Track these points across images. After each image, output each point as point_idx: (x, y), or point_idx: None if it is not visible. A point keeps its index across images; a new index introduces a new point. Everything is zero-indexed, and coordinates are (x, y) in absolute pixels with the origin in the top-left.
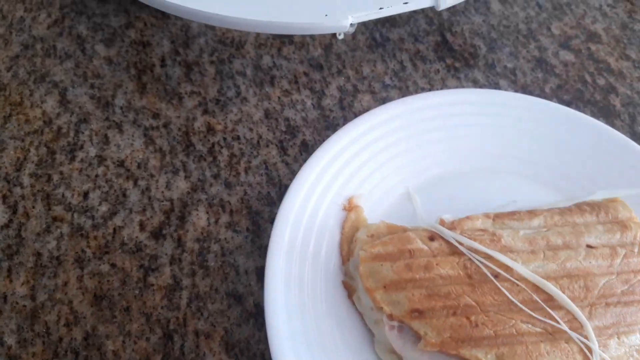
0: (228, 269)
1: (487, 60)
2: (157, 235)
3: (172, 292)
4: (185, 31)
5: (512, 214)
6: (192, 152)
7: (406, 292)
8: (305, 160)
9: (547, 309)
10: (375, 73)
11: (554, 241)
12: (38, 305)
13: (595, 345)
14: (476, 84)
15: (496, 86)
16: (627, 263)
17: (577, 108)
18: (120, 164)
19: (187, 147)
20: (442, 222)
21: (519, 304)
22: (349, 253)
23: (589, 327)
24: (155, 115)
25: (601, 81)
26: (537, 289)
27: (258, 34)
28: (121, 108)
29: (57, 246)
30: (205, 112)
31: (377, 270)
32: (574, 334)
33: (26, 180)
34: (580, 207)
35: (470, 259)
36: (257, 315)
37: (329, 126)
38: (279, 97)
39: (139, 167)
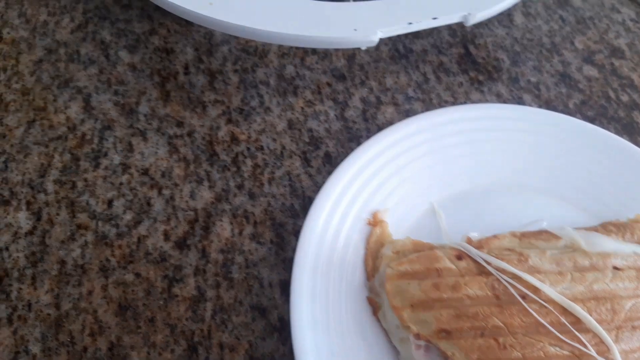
0: (252, 281)
1: (511, 74)
2: (182, 245)
3: (196, 304)
4: (209, 39)
5: (538, 234)
6: (216, 162)
7: (434, 312)
8: (328, 173)
9: (575, 332)
10: (399, 85)
11: (581, 262)
12: (62, 313)
13: None
14: (500, 97)
15: (520, 100)
16: None
17: (601, 124)
18: (145, 172)
19: (211, 156)
20: (469, 241)
21: (548, 326)
22: (374, 269)
23: (615, 351)
24: (179, 124)
25: (625, 97)
26: (564, 311)
27: None
28: (145, 115)
29: (81, 254)
30: (229, 121)
31: (404, 288)
32: (600, 359)
33: (50, 187)
34: (605, 227)
35: (498, 279)
36: (281, 329)
37: (352, 138)
38: (302, 108)
39: (163, 175)
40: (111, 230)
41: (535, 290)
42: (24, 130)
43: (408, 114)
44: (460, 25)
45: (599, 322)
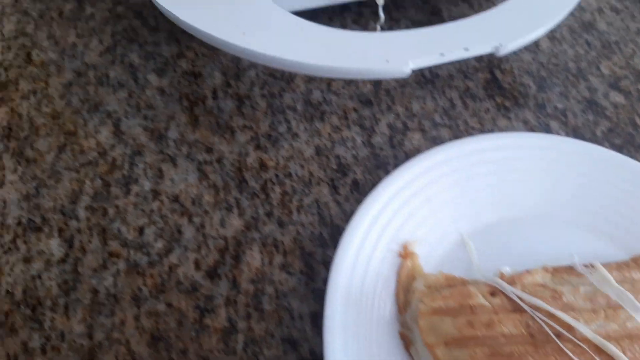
0: (282, 312)
1: (537, 100)
2: (212, 274)
3: (228, 335)
4: (237, 63)
5: (570, 269)
6: (245, 189)
7: (468, 350)
8: (356, 201)
9: None
10: (425, 110)
11: (613, 299)
12: (95, 344)
13: None
14: (527, 124)
15: (547, 127)
16: None
17: (629, 153)
18: (175, 199)
19: (240, 183)
20: (502, 276)
21: None
22: (405, 303)
23: None
24: (209, 150)
25: None
26: (599, 350)
27: None
28: (174, 141)
29: (113, 283)
30: (258, 147)
31: (438, 325)
32: None
33: (82, 214)
34: (637, 262)
35: (532, 317)
36: None
37: (379, 165)
38: (329, 134)
39: (193, 203)
40: (143, 259)
41: (570, 328)
42: (54, 155)
43: (435, 140)
44: None
45: None
